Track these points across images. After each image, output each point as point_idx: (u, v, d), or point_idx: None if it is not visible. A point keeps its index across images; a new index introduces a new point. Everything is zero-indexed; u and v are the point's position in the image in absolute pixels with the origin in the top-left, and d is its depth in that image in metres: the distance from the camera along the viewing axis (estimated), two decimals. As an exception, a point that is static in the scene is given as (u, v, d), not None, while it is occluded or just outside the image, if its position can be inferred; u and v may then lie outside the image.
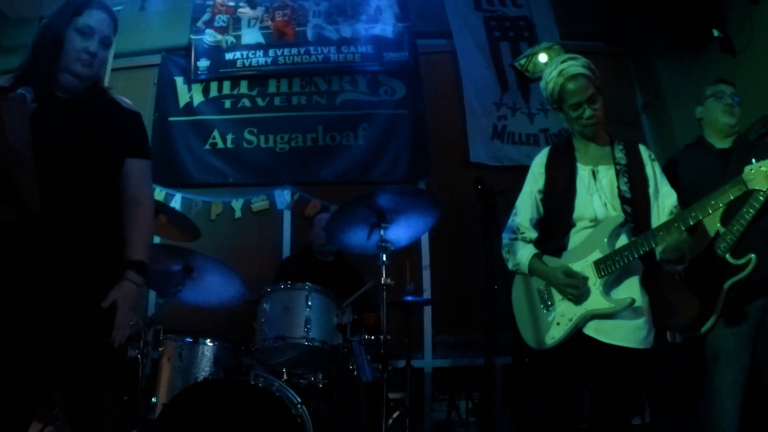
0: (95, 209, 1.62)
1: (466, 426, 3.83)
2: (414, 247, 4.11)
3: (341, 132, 4.56)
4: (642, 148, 2.10)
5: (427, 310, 4.16)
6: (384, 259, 2.54)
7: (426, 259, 4.26)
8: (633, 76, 4.76)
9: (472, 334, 3.98)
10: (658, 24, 4.14)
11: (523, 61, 4.14)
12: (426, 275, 4.23)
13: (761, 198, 2.06)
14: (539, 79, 3.96)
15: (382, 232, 2.58)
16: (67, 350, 1.52)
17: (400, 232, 2.74)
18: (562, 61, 2.07)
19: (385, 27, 4.78)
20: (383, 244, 2.56)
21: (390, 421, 2.71)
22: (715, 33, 3.71)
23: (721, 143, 2.43)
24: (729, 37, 3.68)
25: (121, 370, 1.70)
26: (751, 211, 2.09)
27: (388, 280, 2.52)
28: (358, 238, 2.72)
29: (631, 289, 1.92)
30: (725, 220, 2.20)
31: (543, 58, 4.05)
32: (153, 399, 2.66)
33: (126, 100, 1.80)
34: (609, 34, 4.71)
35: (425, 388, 3.97)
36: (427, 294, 4.15)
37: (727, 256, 2.19)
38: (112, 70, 4.80)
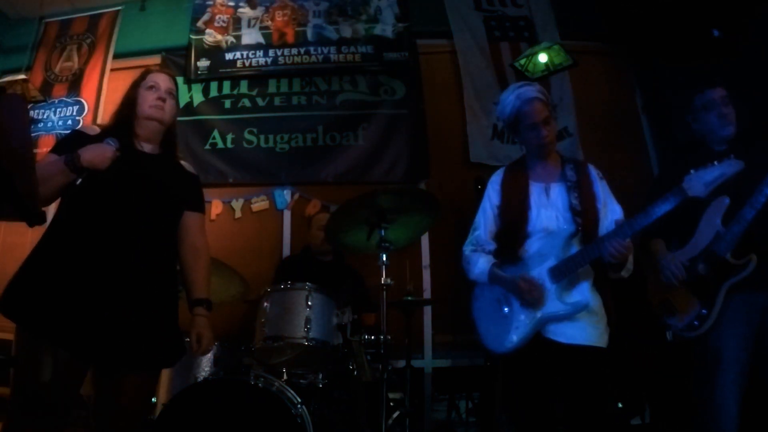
0: (161, 246, 1.90)
1: (466, 426, 3.82)
2: (414, 247, 4.11)
3: (341, 132, 4.56)
4: (590, 168, 2.23)
5: (427, 310, 4.15)
6: (384, 259, 2.54)
7: (426, 259, 4.26)
8: (633, 76, 4.75)
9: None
10: (658, 24, 4.14)
11: (523, 61, 4.13)
12: (426, 275, 4.22)
13: (762, 199, 2.07)
14: (540, 79, 4.00)
15: (382, 232, 2.58)
16: (120, 362, 1.74)
17: (400, 232, 2.74)
18: (519, 87, 2.23)
19: (385, 27, 4.78)
20: (383, 244, 2.56)
21: (390, 421, 2.70)
22: (715, 33, 3.70)
23: (720, 146, 2.43)
24: (729, 37, 3.68)
25: (153, 386, 2.10)
26: (752, 211, 2.09)
27: (388, 280, 2.52)
28: (358, 238, 2.72)
29: (583, 292, 2.04)
30: (725, 220, 2.20)
31: (543, 58, 4.04)
32: (153, 399, 2.66)
33: (188, 165, 2.13)
34: (609, 35, 4.69)
35: (425, 388, 3.97)
36: (427, 294, 4.15)
37: (728, 256, 2.19)
38: (112, 70, 4.83)
